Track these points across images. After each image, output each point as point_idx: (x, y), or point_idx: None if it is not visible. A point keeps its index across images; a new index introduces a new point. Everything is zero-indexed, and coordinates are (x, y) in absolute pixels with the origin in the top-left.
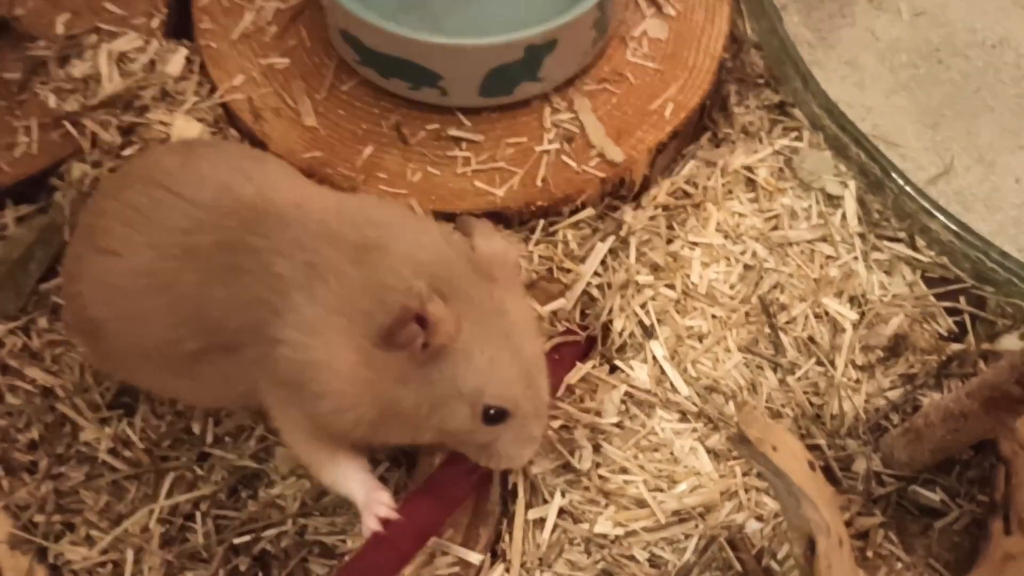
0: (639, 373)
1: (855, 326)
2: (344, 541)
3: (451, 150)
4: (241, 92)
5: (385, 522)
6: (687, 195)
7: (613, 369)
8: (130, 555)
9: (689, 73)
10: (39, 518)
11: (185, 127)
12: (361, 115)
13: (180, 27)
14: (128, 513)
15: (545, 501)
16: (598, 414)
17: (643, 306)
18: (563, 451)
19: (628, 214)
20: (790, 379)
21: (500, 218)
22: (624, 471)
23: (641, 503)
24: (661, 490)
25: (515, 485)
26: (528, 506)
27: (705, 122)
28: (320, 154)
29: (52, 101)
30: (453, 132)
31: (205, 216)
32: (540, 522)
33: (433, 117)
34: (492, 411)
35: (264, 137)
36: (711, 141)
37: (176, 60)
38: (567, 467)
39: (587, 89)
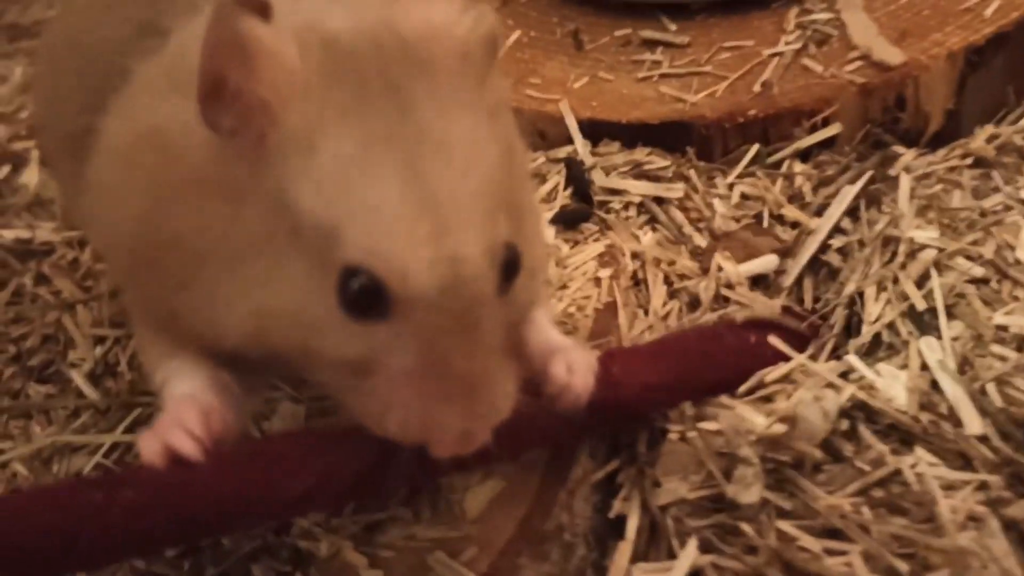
0: (892, 384)
1: None
2: None
3: (639, 55)
4: None
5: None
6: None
7: (846, 375)
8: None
9: None
10: None
11: None
12: (533, 23)
13: None
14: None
15: (671, 554)
16: (790, 423)
17: (922, 282)
18: (714, 470)
19: (908, 155)
20: None
21: (690, 137)
22: (829, 532)
23: None
24: None
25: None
26: (638, 554)
27: None
28: None
29: None
30: (647, 34)
31: None
32: None
33: (625, 22)
34: (357, 282)
35: None
36: None
37: None
38: (718, 499)
39: None
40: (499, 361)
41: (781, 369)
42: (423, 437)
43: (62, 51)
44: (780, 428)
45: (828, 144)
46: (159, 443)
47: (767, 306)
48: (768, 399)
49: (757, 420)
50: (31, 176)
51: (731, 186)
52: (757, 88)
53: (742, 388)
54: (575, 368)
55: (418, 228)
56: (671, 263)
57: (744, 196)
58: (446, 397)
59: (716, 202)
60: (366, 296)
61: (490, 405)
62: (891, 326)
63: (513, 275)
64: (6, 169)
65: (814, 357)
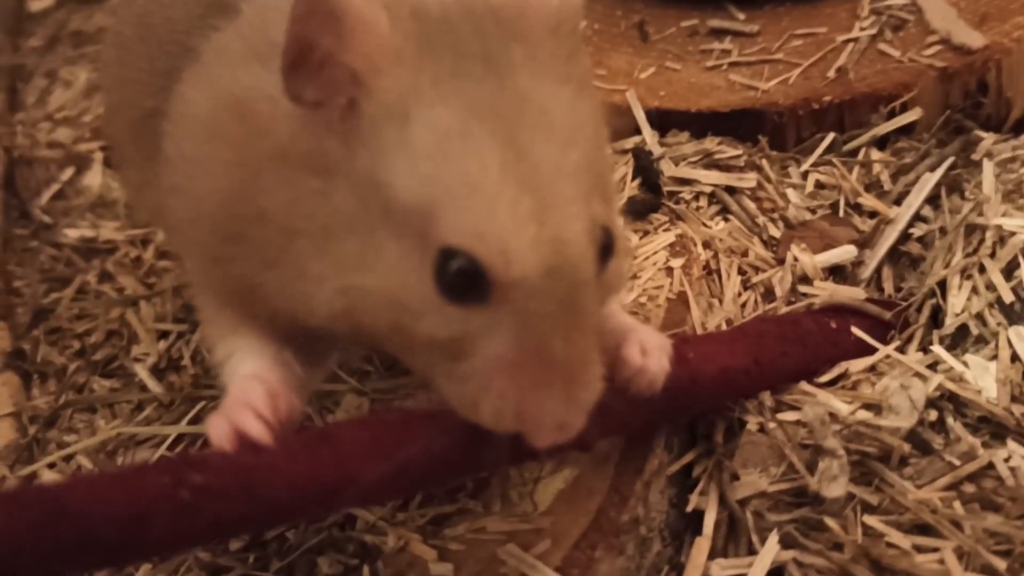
0: (982, 376)
1: None
2: None
3: (706, 44)
4: None
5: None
6: None
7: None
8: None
9: None
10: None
11: None
12: (597, 16)
13: None
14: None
15: (752, 550)
16: (876, 410)
17: (1011, 270)
18: (796, 461)
19: (989, 139)
20: None
21: (762, 125)
22: (917, 528)
23: None
24: None
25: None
26: (716, 550)
27: None
28: None
29: None
30: (715, 24)
31: None
32: None
33: (691, 13)
34: (455, 264)
35: None
36: None
37: None
38: (799, 493)
39: None
40: (595, 345)
41: (866, 360)
42: (519, 426)
43: (131, 34)
44: (865, 414)
45: (907, 131)
46: (228, 425)
47: (849, 293)
48: (852, 388)
49: (841, 408)
50: (95, 178)
51: (805, 174)
52: (832, 74)
53: (824, 378)
54: (649, 349)
55: (520, 207)
56: (744, 253)
57: (819, 185)
58: (546, 385)
59: (790, 192)
60: (465, 279)
61: (588, 392)
62: (979, 316)
63: (608, 257)
64: (70, 171)
65: (902, 349)
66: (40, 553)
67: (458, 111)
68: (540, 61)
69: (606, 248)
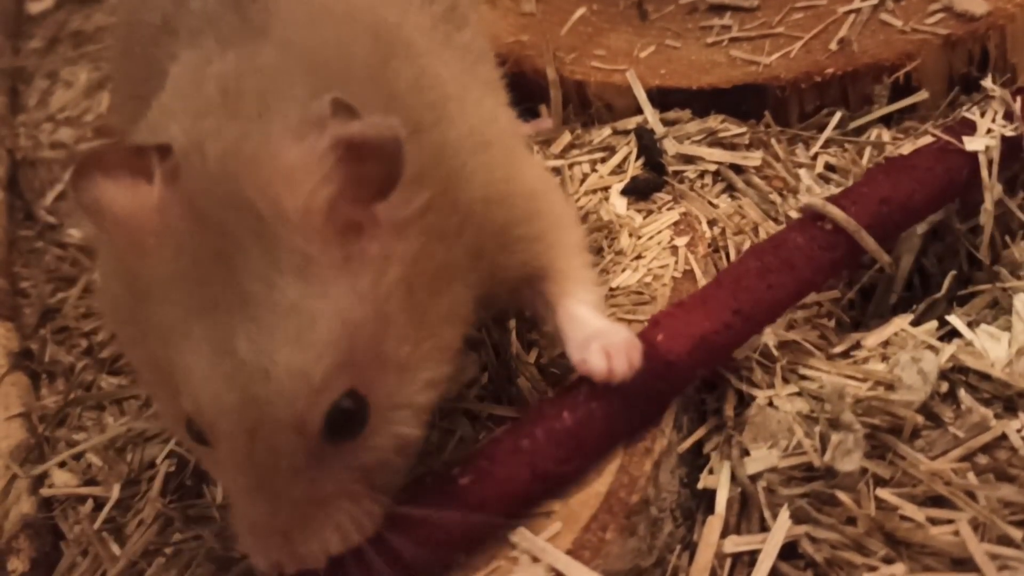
0: (992, 347)
1: None
2: None
3: (706, 21)
4: None
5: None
6: None
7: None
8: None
9: None
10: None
11: None
12: None
13: None
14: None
15: (764, 526)
16: (889, 386)
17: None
18: (802, 438)
19: (994, 87)
20: None
21: (764, 101)
22: (931, 500)
23: (962, 564)
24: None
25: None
26: (728, 526)
27: None
28: (527, 37)
29: None
30: (715, 0)
31: None
32: (747, 563)
33: None
34: (194, 428)
35: None
36: None
37: None
38: (811, 467)
39: None
40: (327, 506)
41: (881, 334)
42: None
43: (119, 31)
44: (878, 391)
45: (911, 107)
46: None
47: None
48: (864, 362)
49: (852, 383)
50: None
51: (815, 156)
52: (834, 46)
53: (837, 349)
54: (613, 352)
55: (225, 400)
56: (754, 231)
57: (830, 167)
58: (258, 529)
59: (802, 172)
60: (201, 438)
61: (306, 547)
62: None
63: (357, 424)
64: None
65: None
66: None
67: (185, 310)
68: (276, 255)
69: (350, 415)
